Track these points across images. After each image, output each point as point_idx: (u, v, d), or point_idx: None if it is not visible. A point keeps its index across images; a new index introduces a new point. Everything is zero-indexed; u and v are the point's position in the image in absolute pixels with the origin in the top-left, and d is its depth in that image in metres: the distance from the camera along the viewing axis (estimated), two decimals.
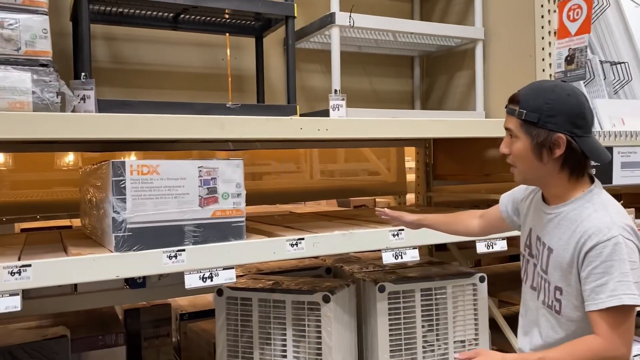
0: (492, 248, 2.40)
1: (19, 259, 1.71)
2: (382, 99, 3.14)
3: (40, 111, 1.67)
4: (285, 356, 2.33)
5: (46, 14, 1.72)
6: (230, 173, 1.95)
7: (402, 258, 2.19)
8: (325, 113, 2.32)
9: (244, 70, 2.79)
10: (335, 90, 2.39)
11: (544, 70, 2.57)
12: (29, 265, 1.62)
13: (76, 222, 2.96)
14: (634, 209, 2.90)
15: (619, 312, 1.38)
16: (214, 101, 2.55)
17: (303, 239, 2.03)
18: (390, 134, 2.26)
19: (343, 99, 2.33)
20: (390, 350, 2.44)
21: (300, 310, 2.32)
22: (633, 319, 1.42)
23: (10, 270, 1.60)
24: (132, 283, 2.53)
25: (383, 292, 2.41)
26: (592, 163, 1.55)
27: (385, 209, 2.01)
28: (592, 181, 1.57)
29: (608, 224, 1.42)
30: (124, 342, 2.73)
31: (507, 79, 2.79)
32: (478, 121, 2.57)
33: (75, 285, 2.43)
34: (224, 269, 1.92)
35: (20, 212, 2.76)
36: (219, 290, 2.44)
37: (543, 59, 2.57)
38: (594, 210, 1.47)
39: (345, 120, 2.18)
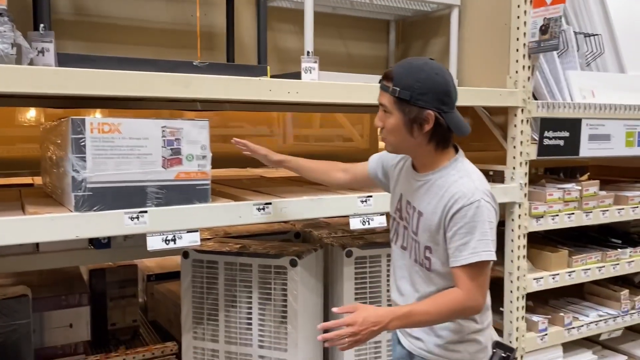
0: (369, 224, 2.22)
1: None
2: (357, 64, 3.09)
3: None
4: (250, 319, 2.34)
5: None
6: (195, 134, 1.89)
7: (369, 224, 2.19)
8: (297, 75, 2.27)
9: (214, 28, 2.70)
10: (308, 52, 2.34)
11: (518, 39, 2.54)
12: None
13: (38, 180, 2.87)
14: (598, 180, 2.96)
15: (477, 267, 1.56)
16: (182, 59, 2.47)
17: (270, 203, 2.01)
18: (363, 99, 2.23)
19: (315, 62, 2.28)
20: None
21: (267, 274, 2.32)
22: (489, 271, 1.62)
23: None
24: (96, 243, 2.49)
25: (350, 256, 2.43)
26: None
27: (247, 141, 2.04)
28: (457, 151, 1.71)
29: (472, 189, 1.58)
30: (87, 302, 2.70)
31: (481, 47, 2.77)
32: None
33: (37, 244, 2.38)
34: (187, 232, 1.89)
35: None
36: (185, 253, 2.42)
37: (518, 28, 2.55)
38: (460, 177, 1.62)
39: (316, 84, 2.14)
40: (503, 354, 1.77)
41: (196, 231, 1.91)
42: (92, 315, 2.76)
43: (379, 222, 2.22)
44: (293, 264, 2.30)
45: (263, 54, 2.27)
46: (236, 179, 2.87)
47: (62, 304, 2.63)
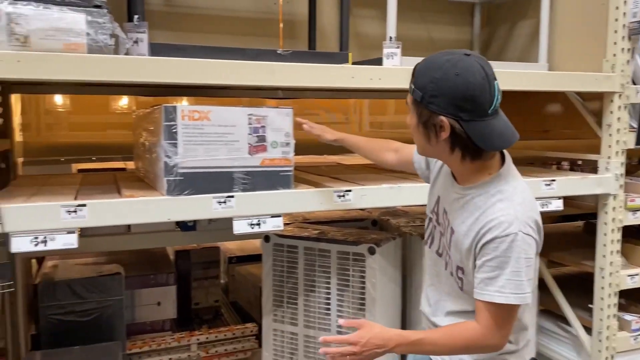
0: (547, 207, 2.30)
1: (75, 199, 1.77)
2: (439, 48, 2.99)
3: (94, 53, 1.68)
4: (329, 304, 2.37)
5: None
6: (279, 122, 1.92)
7: None
8: (378, 61, 2.24)
9: (296, 16, 2.71)
10: (390, 38, 2.30)
11: (616, 19, 2.37)
12: (84, 205, 1.67)
13: (130, 165, 3.04)
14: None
15: (503, 309, 1.38)
16: (264, 47, 2.50)
17: (350, 190, 2.01)
18: None
19: (398, 47, 2.23)
20: None
21: (345, 260, 2.33)
22: (516, 314, 1.43)
23: (68, 209, 1.66)
24: (183, 226, 2.60)
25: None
26: None
27: (308, 121, 1.96)
28: (503, 160, 1.48)
29: (510, 218, 1.36)
30: (174, 281, 2.84)
31: (574, 30, 2.61)
32: (540, 74, 2.42)
33: (129, 225, 2.52)
34: (271, 217, 1.93)
35: (77, 153, 2.85)
36: (266, 237, 2.47)
37: (617, 8, 2.37)
38: (499, 200, 1.41)
39: (399, 70, 2.10)
40: None
41: (279, 216, 1.94)
42: (177, 295, 2.89)
43: None
44: (371, 251, 2.29)
45: (345, 40, 2.25)
46: (314, 166, 2.89)
47: (150, 283, 2.78)
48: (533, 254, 1.39)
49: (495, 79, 1.36)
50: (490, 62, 1.39)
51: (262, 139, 1.92)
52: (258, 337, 2.87)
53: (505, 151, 1.51)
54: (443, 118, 1.34)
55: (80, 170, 2.92)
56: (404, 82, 2.08)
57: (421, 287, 2.40)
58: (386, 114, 4.05)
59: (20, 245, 1.61)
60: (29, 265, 2.80)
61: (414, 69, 1.42)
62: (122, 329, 2.48)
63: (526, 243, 1.37)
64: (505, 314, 1.39)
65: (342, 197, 1.99)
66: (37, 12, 1.63)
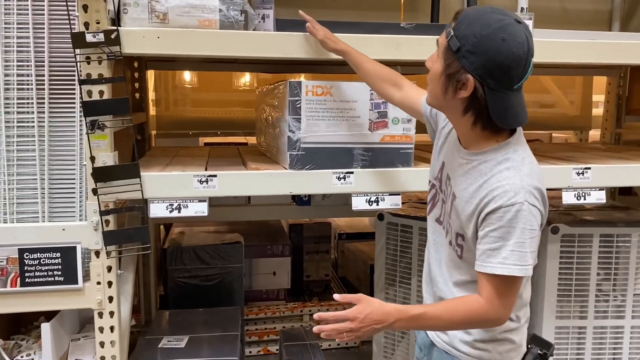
0: (585, 199, 2.02)
1: (206, 170, 1.86)
2: (574, 20, 2.76)
3: (225, 29, 1.74)
4: None
5: None
6: None
7: (584, 199, 1.98)
8: None
9: None
10: (522, 9, 2.15)
11: None
12: (215, 176, 1.76)
13: (251, 140, 3.16)
14: None
15: (506, 280, 1.30)
16: (385, 21, 2.45)
17: None
18: (584, 58, 1.99)
19: (530, 19, 2.08)
20: (558, 295, 2.29)
21: None
22: (519, 286, 1.35)
23: (199, 179, 1.75)
24: (298, 200, 2.66)
25: (556, 233, 2.24)
26: None
27: (313, 20, 1.79)
28: (513, 130, 1.37)
29: (516, 187, 1.29)
30: (289, 253, 2.93)
31: None
32: None
33: (249, 197, 2.62)
34: (390, 195, 1.90)
35: (203, 128, 3.01)
36: (380, 215, 2.45)
37: None
38: (506, 168, 1.32)
39: (534, 42, 1.95)
40: (540, 351, 1.44)
41: (398, 194, 1.91)
42: (291, 266, 2.98)
43: (597, 197, 1.99)
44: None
45: None
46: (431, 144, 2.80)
47: (267, 253, 2.89)
48: (537, 225, 1.31)
49: (533, 55, 1.28)
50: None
51: (383, 114, 1.88)
52: None
53: None
54: (470, 77, 1.27)
55: (206, 144, 3.08)
56: (538, 56, 1.96)
57: (545, 275, 2.27)
58: None
59: (157, 211, 1.73)
60: (158, 231, 3.02)
61: (459, 14, 1.31)
62: (241, 295, 2.61)
63: (532, 214, 1.29)
64: (508, 286, 1.31)
65: None
66: None
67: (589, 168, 1.97)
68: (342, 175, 1.86)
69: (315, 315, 1.33)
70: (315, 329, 1.33)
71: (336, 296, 1.35)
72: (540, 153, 2.42)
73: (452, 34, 1.28)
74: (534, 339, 1.51)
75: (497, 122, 1.29)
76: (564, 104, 3.38)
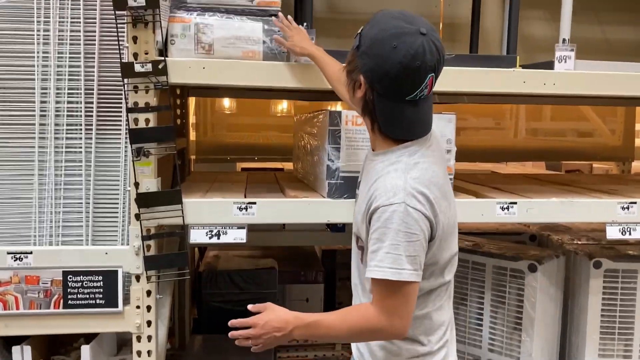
0: (630, 234, 1.93)
1: (245, 196, 1.88)
2: (616, 50, 2.73)
3: (268, 60, 1.78)
4: (481, 319, 2.26)
5: None
6: (442, 127, 1.87)
7: (630, 234, 1.93)
8: (549, 65, 2.08)
9: (457, 18, 2.63)
10: (564, 40, 2.13)
11: None
12: (254, 203, 1.78)
13: (287, 165, 3.18)
14: None
15: (388, 285, 1.25)
16: None
17: (515, 203, 1.89)
18: (627, 91, 1.96)
19: (572, 50, 2.06)
20: (600, 332, 2.21)
21: (502, 276, 2.21)
22: (410, 293, 1.26)
23: (239, 205, 1.77)
24: (332, 227, 2.66)
25: (599, 268, 2.18)
26: None
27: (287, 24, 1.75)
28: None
29: (396, 188, 1.25)
30: (322, 280, 2.92)
31: None
32: None
33: (284, 223, 2.63)
34: None
35: (241, 153, 3.06)
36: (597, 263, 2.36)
37: None
38: (394, 170, 1.30)
39: (575, 74, 1.94)
40: None
41: None
42: (324, 293, 2.96)
43: None
44: (532, 269, 2.15)
45: (513, 43, 2.13)
46: (469, 174, 2.78)
47: (300, 279, 2.88)
48: (419, 230, 1.25)
49: (433, 70, 1.25)
50: None
51: None
52: None
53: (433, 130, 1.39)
54: (362, 78, 1.27)
55: (243, 169, 3.12)
56: (581, 88, 1.95)
57: (586, 311, 2.21)
58: (544, 119, 3.77)
59: (197, 237, 1.76)
60: (193, 253, 3.06)
61: (376, 15, 1.32)
62: None
63: (410, 216, 1.24)
64: (392, 291, 1.25)
65: (505, 210, 1.88)
66: (220, 21, 1.77)
67: (635, 202, 1.91)
68: None
69: (230, 322, 1.35)
70: (230, 334, 1.35)
71: (249, 306, 1.38)
72: (582, 185, 2.37)
73: (359, 31, 1.30)
74: None
75: (384, 129, 1.29)
76: (604, 133, 3.32)
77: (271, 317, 1.32)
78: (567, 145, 3.45)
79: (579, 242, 2.46)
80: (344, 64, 1.40)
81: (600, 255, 2.21)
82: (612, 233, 1.93)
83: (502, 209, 1.89)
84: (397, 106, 1.27)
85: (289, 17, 1.78)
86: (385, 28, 1.24)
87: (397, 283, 1.25)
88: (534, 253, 2.26)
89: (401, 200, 1.24)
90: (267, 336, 1.31)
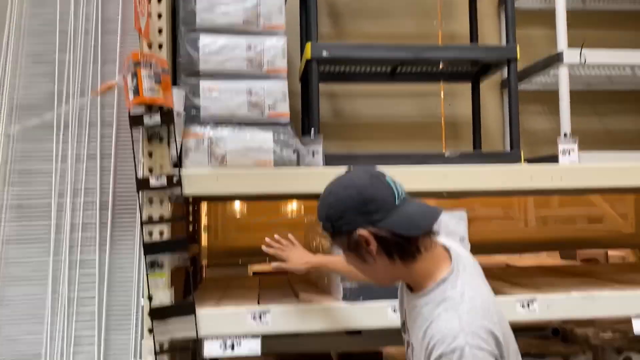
0: None
1: (258, 303, 1.85)
2: (617, 140, 2.79)
3: (279, 166, 1.83)
4: None
5: (286, 79, 1.89)
6: (453, 225, 1.88)
7: None
8: (551, 159, 2.13)
9: (458, 117, 2.72)
10: (565, 134, 2.19)
11: None
12: (268, 311, 1.74)
13: None
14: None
15: None
16: (427, 150, 2.52)
17: (535, 299, 1.84)
18: (633, 182, 1.98)
19: (575, 142, 2.11)
20: None
21: None
22: None
23: (253, 314, 1.74)
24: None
25: None
26: None
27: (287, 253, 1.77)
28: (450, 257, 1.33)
29: (454, 331, 1.20)
30: None
31: None
32: None
33: None
34: None
35: (253, 255, 3.04)
36: None
37: None
38: (444, 310, 1.25)
39: (583, 168, 1.97)
40: None
41: None
42: None
43: None
44: None
45: (515, 139, 2.19)
46: (484, 268, 2.72)
47: None
48: None
49: (384, 175, 1.31)
50: None
51: None
52: None
53: (452, 251, 1.35)
54: (361, 231, 1.27)
55: (254, 273, 3.09)
56: (588, 181, 1.97)
57: None
58: (554, 207, 3.77)
59: (211, 349, 1.71)
60: None
61: (317, 212, 1.36)
62: None
63: (475, 356, 1.19)
64: None
65: (525, 307, 1.84)
66: (233, 134, 1.84)
67: None
68: (395, 308, 1.82)
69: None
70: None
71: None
72: (600, 276, 2.32)
73: (321, 224, 1.33)
74: None
75: (413, 233, 1.27)
76: (615, 219, 3.30)
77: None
78: (580, 235, 3.41)
79: (606, 336, 2.37)
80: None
81: (629, 349, 2.12)
82: (639, 327, 1.86)
83: (523, 306, 1.84)
84: (397, 212, 1.28)
85: (276, 236, 1.81)
86: (327, 192, 1.32)
87: None
88: (559, 349, 2.18)
89: (463, 343, 1.21)
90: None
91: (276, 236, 1.79)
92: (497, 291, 1.97)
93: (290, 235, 1.81)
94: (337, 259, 1.72)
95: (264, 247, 1.77)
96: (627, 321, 1.93)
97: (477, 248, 3.05)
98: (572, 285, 2.07)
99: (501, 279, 2.30)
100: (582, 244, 3.37)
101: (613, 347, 2.19)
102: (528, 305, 1.84)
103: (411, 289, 1.38)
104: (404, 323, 1.47)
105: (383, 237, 1.27)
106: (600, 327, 2.51)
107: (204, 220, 3.04)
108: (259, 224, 3.16)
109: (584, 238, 3.36)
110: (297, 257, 1.76)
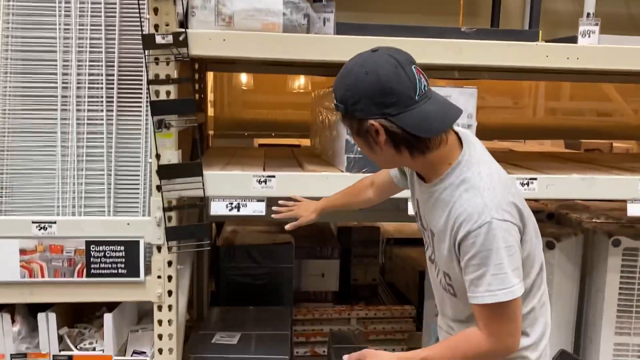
0: None
1: (264, 170, 1.89)
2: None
3: (288, 32, 1.77)
4: None
5: None
6: (463, 102, 1.85)
7: None
8: (571, 40, 2.05)
9: None
10: (589, 14, 2.09)
11: None
12: (273, 176, 1.79)
13: (303, 142, 3.19)
14: None
15: (498, 307, 1.25)
16: (444, 25, 2.43)
17: (535, 179, 1.88)
18: None
19: (597, 24, 2.02)
20: (617, 311, 2.21)
21: None
22: (514, 308, 1.27)
23: (259, 179, 1.78)
24: None
25: (617, 246, 2.17)
26: None
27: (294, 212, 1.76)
28: (462, 143, 1.32)
29: (478, 208, 1.23)
30: (338, 256, 2.93)
31: None
32: None
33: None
34: None
35: (258, 129, 3.07)
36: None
37: None
38: (465, 190, 1.26)
39: (601, 48, 1.90)
40: None
41: None
42: (340, 269, 2.98)
43: None
44: (550, 246, 2.14)
45: (535, 17, 2.10)
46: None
47: (316, 254, 2.90)
48: (514, 240, 1.25)
49: (412, 63, 1.23)
50: None
51: None
52: (415, 319, 2.86)
53: (462, 134, 1.34)
54: (372, 121, 1.24)
55: (260, 145, 3.13)
56: (603, 63, 1.91)
57: (604, 290, 2.20)
58: (564, 98, 3.72)
59: (217, 209, 1.78)
60: (210, 228, 3.08)
61: (333, 86, 1.31)
62: (290, 295, 2.64)
63: (503, 230, 1.23)
64: (502, 312, 1.26)
65: (525, 186, 1.87)
66: None
67: None
68: None
69: (345, 356, 1.36)
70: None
71: (345, 357, 1.37)
72: (601, 163, 2.35)
73: (335, 103, 1.29)
74: (563, 355, 1.43)
75: (424, 135, 1.24)
76: (626, 112, 3.26)
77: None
78: (587, 124, 3.40)
79: (598, 221, 2.45)
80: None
81: (620, 234, 2.19)
82: (634, 210, 1.91)
83: (522, 184, 1.88)
84: (416, 110, 1.23)
85: (280, 202, 1.77)
86: (348, 72, 1.26)
87: (505, 302, 1.25)
88: (551, 231, 2.25)
89: (490, 217, 1.23)
90: None
91: (280, 201, 1.78)
92: None
93: (293, 195, 1.80)
94: (339, 195, 1.76)
95: (273, 215, 1.77)
96: (621, 209, 1.98)
97: (484, 133, 3.06)
98: (573, 169, 2.10)
99: (503, 160, 2.31)
100: (587, 134, 3.36)
101: (604, 230, 2.26)
102: (528, 184, 1.88)
103: (423, 179, 1.39)
104: (416, 213, 1.50)
105: (394, 133, 1.25)
106: (594, 213, 2.59)
107: (211, 93, 3.02)
108: (266, 100, 3.14)
109: (591, 128, 3.35)
110: (306, 210, 1.77)
